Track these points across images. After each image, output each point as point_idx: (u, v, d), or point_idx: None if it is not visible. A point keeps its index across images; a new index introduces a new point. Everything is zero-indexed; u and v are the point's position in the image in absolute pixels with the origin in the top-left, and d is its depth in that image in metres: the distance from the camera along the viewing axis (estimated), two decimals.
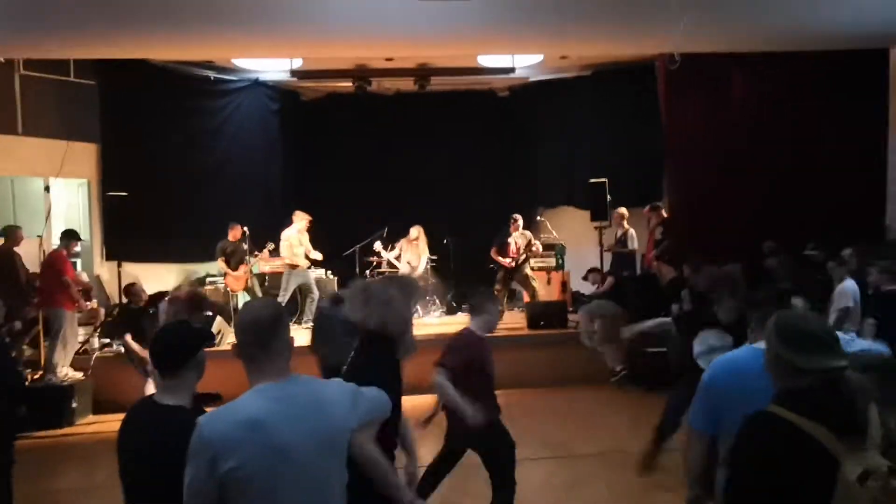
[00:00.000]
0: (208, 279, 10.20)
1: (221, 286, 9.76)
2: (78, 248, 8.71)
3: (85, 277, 9.23)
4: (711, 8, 7.44)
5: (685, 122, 9.27)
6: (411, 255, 10.39)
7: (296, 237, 9.68)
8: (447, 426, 4.01)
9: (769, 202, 8.92)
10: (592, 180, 9.82)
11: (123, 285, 8.00)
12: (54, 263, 7.90)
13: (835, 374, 1.86)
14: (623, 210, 9.74)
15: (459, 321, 10.30)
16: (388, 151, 11.82)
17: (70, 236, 8.12)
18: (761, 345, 2.46)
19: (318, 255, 9.82)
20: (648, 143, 10.29)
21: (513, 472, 3.95)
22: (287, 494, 1.90)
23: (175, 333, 2.49)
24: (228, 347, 8.13)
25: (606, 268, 9.67)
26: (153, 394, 2.42)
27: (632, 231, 9.64)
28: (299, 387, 2.02)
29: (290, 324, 2.22)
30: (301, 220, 9.76)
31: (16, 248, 8.07)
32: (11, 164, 9.07)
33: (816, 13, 7.47)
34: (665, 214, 9.46)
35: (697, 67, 8.69)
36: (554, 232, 10.72)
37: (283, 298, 9.46)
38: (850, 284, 6.01)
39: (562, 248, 10.60)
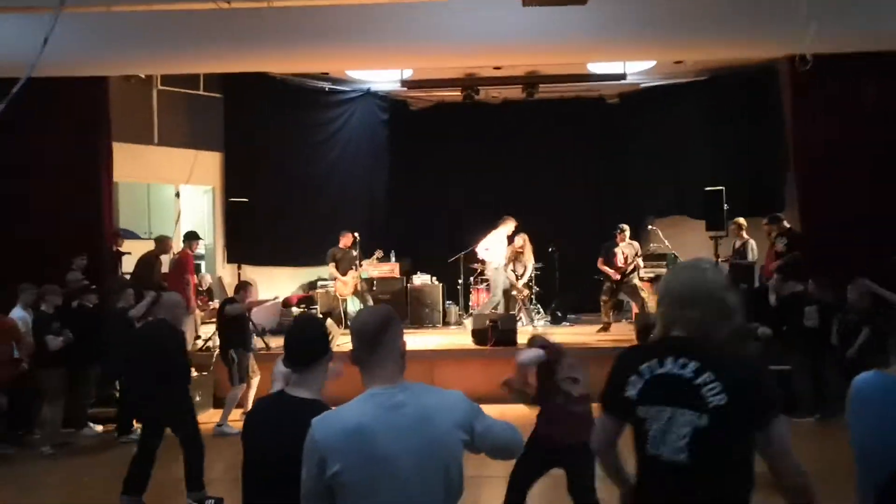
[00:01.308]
0: (319, 283, 10.61)
1: (332, 290, 10.11)
2: (201, 250, 9.31)
3: (208, 279, 9.85)
4: (843, 7, 6.98)
5: (813, 127, 8.71)
6: (516, 263, 10.35)
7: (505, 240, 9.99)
8: None
9: None
10: (708, 188, 9.42)
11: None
12: (179, 264, 8.50)
13: None
14: (741, 220, 9.27)
15: (564, 330, 10.16)
16: (494, 159, 11.85)
17: (192, 237, 8.70)
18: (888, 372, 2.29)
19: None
20: (767, 150, 9.76)
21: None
22: (385, 500, 1.91)
23: (311, 327, 2.58)
24: (337, 349, 8.38)
25: None
26: (283, 388, 2.49)
27: (752, 242, 9.15)
28: (408, 395, 2.00)
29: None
30: (508, 224, 10.05)
31: (162, 256, 8.73)
32: (147, 172, 9.83)
33: None
34: (787, 226, 8.92)
35: (826, 70, 8.15)
36: (665, 241, 10.36)
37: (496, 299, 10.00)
38: None
39: (673, 258, 10.22)
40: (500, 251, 10.05)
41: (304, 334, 2.52)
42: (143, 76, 9.11)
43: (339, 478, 1.90)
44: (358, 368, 2.07)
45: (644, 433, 2.06)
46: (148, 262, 8.51)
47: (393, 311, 2.19)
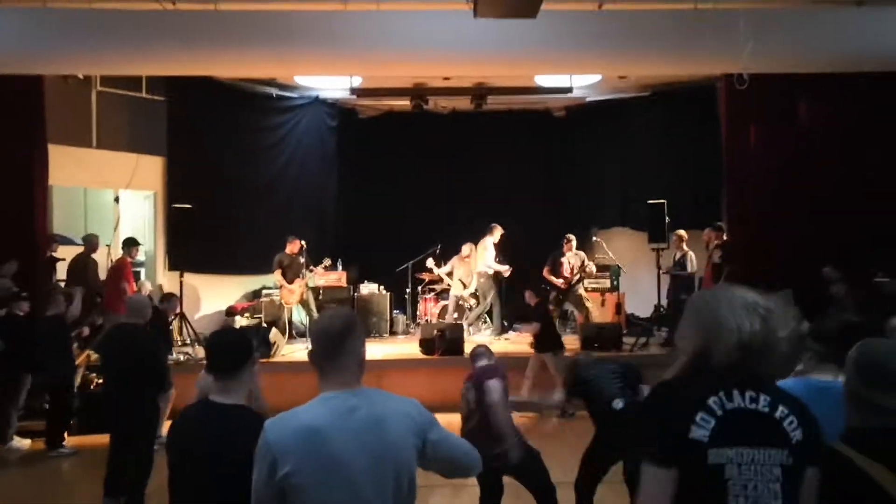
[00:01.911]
0: (264, 291, 10.41)
1: (277, 298, 9.94)
2: (141, 257, 9.02)
3: (148, 286, 9.53)
4: (779, 29, 7.31)
5: (746, 144, 9.07)
6: (463, 272, 10.41)
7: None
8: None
9: (831, 227, 8.61)
10: (651, 201, 9.67)
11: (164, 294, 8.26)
12: (116, 270, 8.23)
13: None
14: (682, 232, 9.55)
15: (509, 339, 10.25)
16: (443, 169, 11.90)
17: (131, 243, 8.44)
18: (820, 377, 2.42)
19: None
20: (707, 164, 10.09)
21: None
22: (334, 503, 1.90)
23: (232, 335, 2.62)
24: (282, 359, 8.28)
25: (664, 290, 9.47)
26: (207, 396, 2.48)
27: (691, 253, 9.44)
28: (363, 399, 1.99)
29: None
30: (496, 233, 10.17)
31: (93, 255, 8.42)
32: (85, 176, 9.48)
33: (887, 35, 7.27)
34: (725, 238, 9.24)
35: (760, 89, 8.50)
36: (609, 252, 10.58)
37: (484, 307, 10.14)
38: None
39: (617, 270, 10.45)
40: (488, 258, 10.12)
41: (225, 342, 2.53)
42: (81, 76, 8.80)
43: (290, 479, 1.88)
44: (316, 371, 2.05)
45: (721, 483, 1.69)
46: (81, 263, 8.21)
47: (356, 317, 2.17)
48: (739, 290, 1.85)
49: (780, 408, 1.74)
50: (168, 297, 7.96)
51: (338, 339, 2.01)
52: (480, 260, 10.22)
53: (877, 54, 7.54)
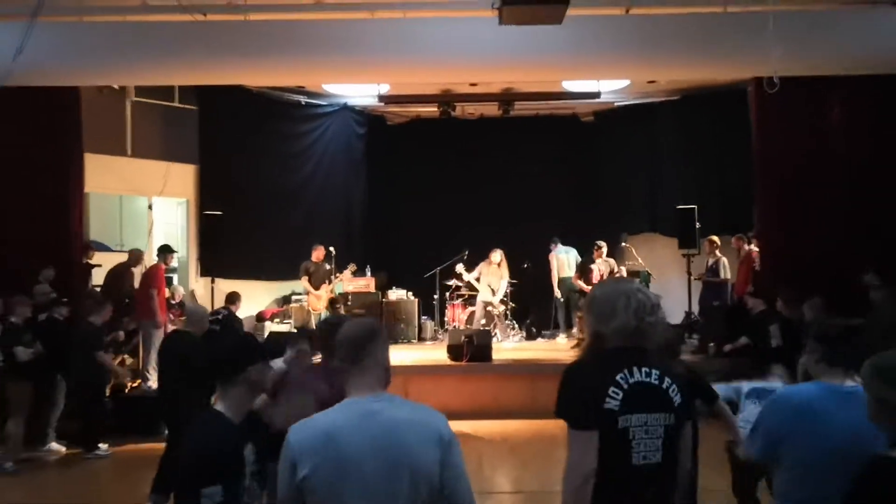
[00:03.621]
0: (293, 297, 10.53)
1: (306, 304, 10.04)
2: (174, 263, 9.19)
3: (181, 291, 9.72)
4: (810, 30, 7.18)
5: (778, 148, 8.88)
6: (491, 278, 10.39)
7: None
8: None
9: (869, 234, 8.39)
10: (680, 206, 9.55)
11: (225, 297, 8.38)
12: (148, 277, 8.40)
13: None
14: (715, 238, 9.42)
15: (538, 346, 10.20)
16: (470, 175, 11.92)
17: (166, 250, 8.60)
18: (831, 381, 2.46)
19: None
20: (738, 169, 9.94)
21: None
22: None
23: (228, 345, 2.56)
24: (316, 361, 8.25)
25: (695, 297, 9.35)
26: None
27: (724, 259, 9.29)
28: (385, 404, 2.02)
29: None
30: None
31: (134, 269, 8.61)
32: (120, 184, 9.71)
33: None
34: (752, 244, 9.08)
35: (792, 92, 8.32)
36: (639, 259, 10.47)
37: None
38: None
39: (647, 276, 10.33)
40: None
41: (221, 351, 2.52)
42: (116, 87, 9.01)
43: (308, 481, 1.93)
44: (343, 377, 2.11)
45: (626, 444, 2.13)
46: (119, 274, 8.41)
47: (379, 324, 2.24)
48: (630, 283, 2.35)
49: (666, 379, 2.20)
50: (233, 298, 8.10)
51: (359, 344, 2.07)
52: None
53: None
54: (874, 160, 8.44)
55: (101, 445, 6.79)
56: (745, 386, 4.08)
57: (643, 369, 2.20)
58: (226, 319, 7.44)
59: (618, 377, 2.16)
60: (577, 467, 2.15)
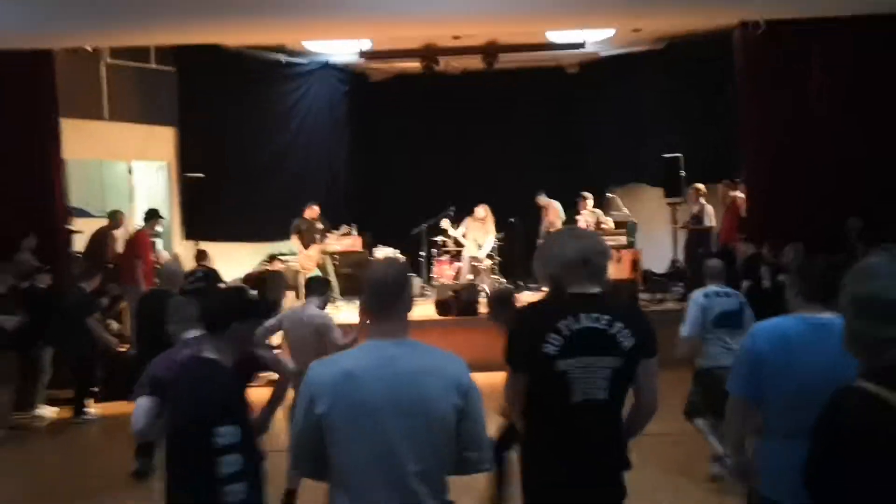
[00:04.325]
0: (281, 257, 10.50)
1: (294, 265, 10.01)
2: (160, 228, 9.12)
3: (165, 255, 9.66)
4: None
5: (763, 94, 8.82)
6: (478, 233, 10.38)
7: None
8: None
9: (854, 179, 8.40)
10: (665, 156, 9.52)
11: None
12: (133, 242, 8.34)
13: None
14: (700, 186, 9.41)
15: (526, 300, 10.24)
16: (455, 131, 11.81)
17: (153, 215, 8.52)
18: (811, 315, 2.49)
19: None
20: (724, 117, 9.87)
21: None
22: (363, 448, 1.95)
23: (220, 299, 2.64)
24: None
25: (681, 245, 9.39)
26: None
27: (709, 207, 9.31)
28: (406, 349, 2.03)
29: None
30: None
31: (115, 232, 8.53)
32: (98, 148, 9.55)
33: None
34: (740, 191, 9.09)
35: (776, 38, 8.25)
36: (625, 209, 10.47)
37: None
38: None
39: (633, 226, 10.34)
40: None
41: (216, 301, 2.60)
42: (90, 49, 8.79)
43: (325, 419, 1.97)
44: (367, 319, 2.16)
45: (565, 385, 2.27)
46: (100, 239, 8.33)
47: (408, 270, 2.25)
48: (575, 228, 2.70)
49: (617, 324, 2.29)
50: (203, 256, 8.15)
51: (392, 289, 2.07)
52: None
53: None
54: (858, 104, 8.41)
55: (88, 410, 6.83)
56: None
57: (592, 315, 2.28)
58: (207, 276, 7.38)
59: (559, 324, 2.27)
60: (506, 396, 2.47)
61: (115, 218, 8.54)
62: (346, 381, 1.97)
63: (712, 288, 4.81)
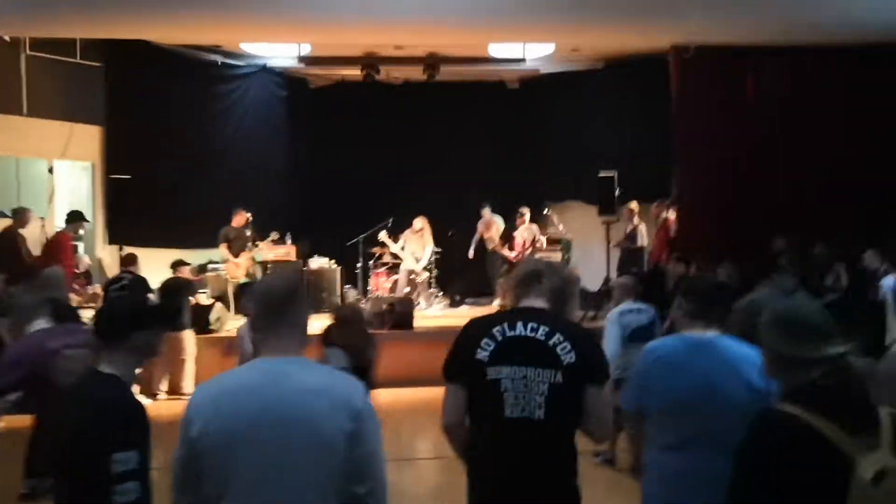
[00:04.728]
0: (210, 265, 10.13)
1: (223, 273, 9.69)
2: (82, 231, 8.66)
3: (86, 261, 9.19)
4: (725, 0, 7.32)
5: (696, 116, 9.11)
6: (416, 246, 10.30)
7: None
8: None
9: (781, 200, 8.77)
10: (601, 174, 9.68)
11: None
12: (52, 245, 7.87)
13: (838, 361, 1.78)
14: (633, 205, 9.60)
15: (462, 313, 10.22)
16: (394, 141, 11.72)
17: (76, 217, 8.07)
18: (692, 333, 2.59)
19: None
20: (660, 138, 10.13)
21: None
22: (236, 476, 1.78)
23: (116, 306, 2.44)
24: (227, 333, 8.03)
25: (614, 263, 9.54)
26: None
27: (642, 226, 9.50)
28: (295, 367, 1.86)
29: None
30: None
31: (21, 230, 8.02)
32: (16, 145, 9.02)
33: (828, 8, 7.35)
34: (672, 211, 9.32)
35: (710, 62, 8.54)
36: (561, 226, 10.59)
37: None
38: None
39: (568, 243, 10.46)
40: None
41: (111, 309, 2.42)
42: (7, 38, 8.29)
43: (200, 441, 1.79)
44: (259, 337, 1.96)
45: (498, 396, 2.18)
46: (8, 238, 7.80)
47: (301, 280, 2.08)
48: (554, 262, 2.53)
49: (556, 336, 2.21)
50: (131, 260, 7.77)
51: (279, 302, 1.91)
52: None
53: (824, 26, 7.62)
54: (788, 127, 8.79)
55: None
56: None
57: (529, 324, 2.24)
58: (131, 283, 7.08)
59: (494, 330, 2.23)
60: (444, 417, 2.31)
61: (20, 216, 7.98)
62: (223, 399, 1.81)
63: (625, 306, 5.07)
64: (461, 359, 2.27)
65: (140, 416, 2.14)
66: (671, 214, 9.31)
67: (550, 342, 2.21)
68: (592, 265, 9.74)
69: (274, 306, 1.90)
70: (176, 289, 7.55)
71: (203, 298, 8.66)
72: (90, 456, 2.01)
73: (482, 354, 2.21)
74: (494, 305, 10.33)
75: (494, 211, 10.74)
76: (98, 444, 2.01)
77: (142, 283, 7.48)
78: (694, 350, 2.52)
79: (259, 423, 1.78)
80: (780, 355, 1.85)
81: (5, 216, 8.52)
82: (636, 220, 9.57)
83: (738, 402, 2.42)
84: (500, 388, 2.18)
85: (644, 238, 9.48)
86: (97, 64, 9.52)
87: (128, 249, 8.93)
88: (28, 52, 8.88)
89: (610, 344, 4.86)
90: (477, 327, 2.32)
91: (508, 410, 2.18)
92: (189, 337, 7.49)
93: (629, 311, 5.00)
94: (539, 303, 2.35)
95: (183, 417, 1.84)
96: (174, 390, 7.51)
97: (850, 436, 1.63)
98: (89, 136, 9.60)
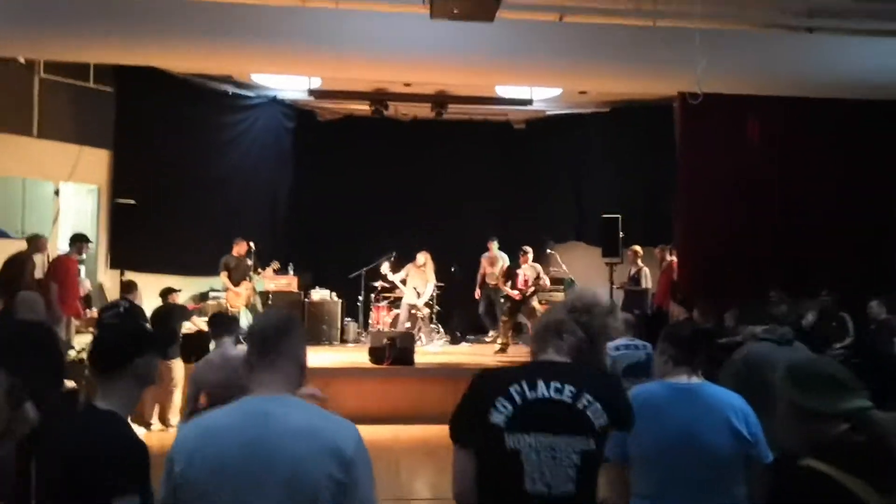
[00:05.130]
0: (211, 293, 10.08)
1: (224, 301, 9.63)
2: (84, 255, 8.64)
3: (87, 285, 9.14)
4: (733, 50, 7.43)
5: (699, 162, 9.15)
6: (418, 280, 10.26)
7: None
8: None
9: (783, 246, 8.76)
10: (605, 216, 9.70)
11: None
12: (59, 268, 7.83)
13: (861, 416, 1.72)
14: (637, 248, 9.62)
15: (462, 350, 10.14)
16: (400, 176, 11.76)
17: (80, 239, 8.05)
18: (675, 380, 2.56)
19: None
20: (664, 182, 10.19)
21: None
22: None
23: (115, 332, 2.32)
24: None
25: (617, 305, 9.49)
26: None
27: (646, 269, 9.49)
28: (282, 408, 1.78)
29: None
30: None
31: (35, 256, 8.00)
32: (24, 166, 9.05)
33: (835, 63, 7.46)
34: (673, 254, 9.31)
35: (715, 109, 8.58)
36: (563, 266, 10.57)
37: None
38: None
39: (570, 283, 10.44)
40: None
41: (107, 340, 2.27)
42: (22, 60, 8.39)
43: (180, 479, 1.73)
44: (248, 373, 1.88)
45: (518, 467, 1.88)
46: (19, 263, 7.77)
47: (296, 317, 2.01)
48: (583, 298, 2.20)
49: (584, 397, 1.91)
50: (130, 287, 7.72)
51: (271, 339, 1.85)
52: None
53: (825, 81, 7.72)
54: (788, 178, 8.83)
55: None
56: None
57: (552, 384, 1.93)
58: (126, 311, 7.02)
59: (511, 388, 1.92)
60: (454, 485, 2.00)
61: (35, 242, 7.97)
62: (205, 438, 1.75)
63: (622, 341, 5.02)
64: (472, 419, 1.97)
65: (142, 457, 2.05)
66: (674, 258, 9.30)
67: (579, 404, 1.92)
68: None
69: (268, 342, 1.86)
70: (168, 316, 7.52)
71: (203, 325, 8.59)
72: (83, 502, 1.94)
73: (498, 418, 1.90)
74: (491, 343, 10.25)
75: (497, 248, 10.74)
76: (98, 490, 1.92)
77: (137, 312, 7.42)
78: (677, 397, 2.49)
79: (239, 465, 1.72)
80: (801, 408, 1.80)
81: (9, 237, 8.51)
82: (640, 262, 9.56)
83: (720, 450, 2.41)
84: (519, 459, 1.87)
85: (648, 280, 9.46)
86: (109, 89, 9.62)
87: (129, 274, 8.90)
88: (42, 74, 8.99)
89: None
90: (490, 383, 2.01)
91: (530, 484, 1.86)
92: (178, 366, 7.40)
93: (625, 347, 4.98)
94: (559, 357, 2.07)
95: (167, 455, 1.79)
96: (162, 420, 7.41)
97: (879, 494, 1.58)
98: (97, 160, 9.65)
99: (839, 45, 7.61)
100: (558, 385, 1.92)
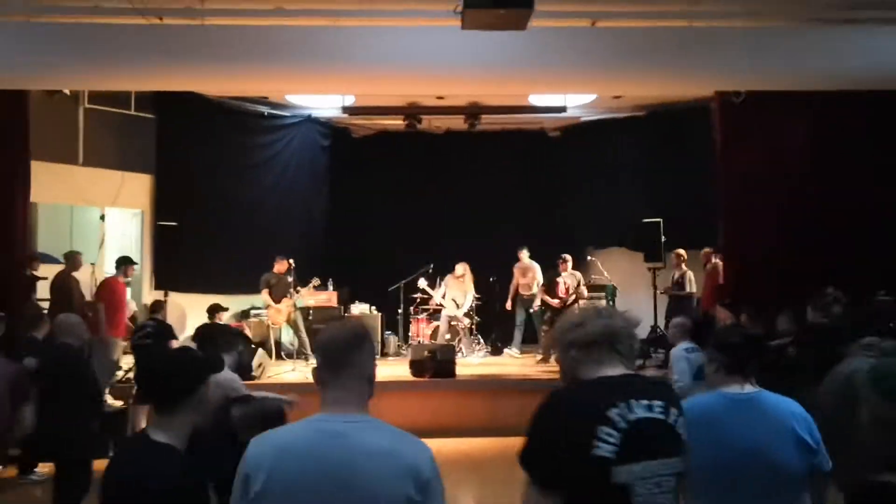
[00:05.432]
0: (252, 311, 10.21)
1: (265, 319, 9.74)
2: (129, 277, 8.83)
3: (133, 306, 9.34)
4: (773, 47, 7.24)
5: (741, 162, 8.93)
6: (456, 292, 10.22)
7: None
8: None
9: (830, 245, 8.46)
10: (646, 220, 9.54)
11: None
12: (108, 291, 8.01)
13: None
14: (681, 251, 9.42)
15: (503, 361, 10.04)
16: (436, 189, 11.78)
17: (126, 262, 8.23)
18: (729, 390, 2.44)
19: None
20: (704, 184, 9.99)
21: None
22: None
23: (172, 363, 2.19)
24: (268, 380, 8.00)
25: (661, 311, 9.31)
26: (147, 427, 2.15)
27: (690, 273, 9.29)
28: (354, 426, 1.77)
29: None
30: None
31: (74, 273, 8.22)
32: (70, 193, 9.33)
33: (877, 54, 7.21)
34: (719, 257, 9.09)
35: (756, 108, 8.40)
36: (605, 272, 10.42)
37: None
38: None
39: (612, 289, 10.28)
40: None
41: (164, 372, 2.15)
42: (68, 92, 8.67)
43: (258, 500, 1.72)
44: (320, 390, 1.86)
45: (626, 502, 1.62)
46: (63, 284, 7.98)
47: (366, 328, 1.95)
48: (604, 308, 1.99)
49: (672, 411, 1.72)
50: (158, 307, 7.82)
51: (342, 353, 1.82)
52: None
53: (867, 73, 7.46)
54: (834, 175, 8.54)
55: (36, 469, 6.39)
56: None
57: (643, 401, 1.68)
58: (157, 331, 7.09)
59: (611, 413, 1.64)
60: None
61: (72, 259, 8.14)
62: (284, 454, 1.74)
63: (687, 344, 5.08)
64: (565, 455, 1.63)
65: (203, 496, 2.01)
66: (720, 261, 9.08)
67: (670, 419, 1.71)
68: (638, 312, 9.41)
69: (339, 358, 1.82)
70: (217, 335, 7.57)
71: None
72: None
73: (606, 449, 1.60)
74: (519, 355, 10.12)
75: (535, 257, 10.63)
76: None
77: (166, 330, 7.50)
78: (736, 408, 2.38)
79: (318, 485, 1.71)
80: (879, 418, 1.69)
81: (58, 262, 8.75)
82: (684, 266, 9.36)
83: (788, 463, 2.30)
84: (627, 494, 1.60)
85: (693, 284, 9.24)
86: (150, 115, 9.87)
87: (173, 295, 9.08)
88: (86, 104, 9.27)
89: (683, 378, 4.83)
90: (578, 409, 1.69)
91: None
92: None
93: (693, 350, 4.99)
94: (622, 370, 1.81)
95: (239, 470, 1.76)
96: None
97: None
98: (140, 184, 9.90)
99: (880, 37, 7.36)
100: (650, 402, 1.69)
